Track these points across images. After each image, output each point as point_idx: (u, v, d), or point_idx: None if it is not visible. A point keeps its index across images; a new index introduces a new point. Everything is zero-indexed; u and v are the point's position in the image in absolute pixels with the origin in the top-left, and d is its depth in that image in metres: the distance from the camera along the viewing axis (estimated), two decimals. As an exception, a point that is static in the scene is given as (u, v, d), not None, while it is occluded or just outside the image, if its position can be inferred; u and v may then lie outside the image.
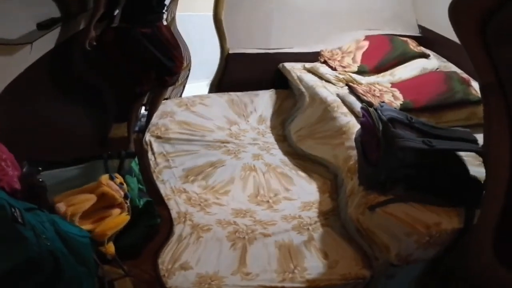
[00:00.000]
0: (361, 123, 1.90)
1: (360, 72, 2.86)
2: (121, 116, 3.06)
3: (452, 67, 2.84)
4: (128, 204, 1.82)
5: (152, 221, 1.95)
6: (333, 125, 2.35)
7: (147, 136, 2.52)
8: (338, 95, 2.53)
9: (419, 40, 3.17)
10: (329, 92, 2.60)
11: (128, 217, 1.80)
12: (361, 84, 2.67)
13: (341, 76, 2.78)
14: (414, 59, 2.85)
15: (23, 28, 1.89)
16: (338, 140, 2.27)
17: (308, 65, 3.07)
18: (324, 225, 1.99)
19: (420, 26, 3.37)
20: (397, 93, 2.37)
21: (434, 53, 3.05)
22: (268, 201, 2.19)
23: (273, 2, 3.11)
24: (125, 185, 1.87)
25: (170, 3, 2.77)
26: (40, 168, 1.69)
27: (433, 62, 2.86)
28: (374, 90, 2.41)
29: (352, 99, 2.40)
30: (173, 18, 3.08)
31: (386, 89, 2.44)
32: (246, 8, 3.11)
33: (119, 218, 1.76)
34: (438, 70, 2.77)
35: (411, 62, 2.83)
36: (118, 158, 2.08)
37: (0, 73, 1.77)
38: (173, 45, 2.62)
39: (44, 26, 2.02)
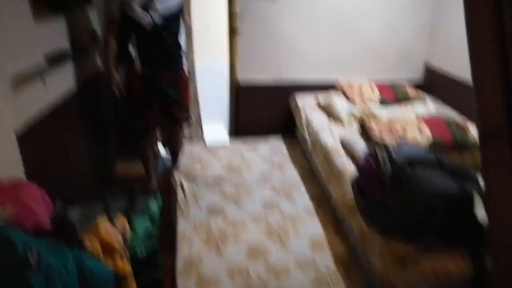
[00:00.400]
0: (358, 168, 1.79)
1: (382, 102, 2.79)
2: (128, 152, 3.11)
3: (448, 111, 2.85)
4: (127, 252, 1.65)
5: (153, 274, 1.81)
6: (331, 168, 2.22)
7: (177, 175, 2.58)
8: (341, 140, 2.40)
9: (420, 84, 3.26)
10: (331, 137, 2.48)
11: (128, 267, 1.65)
12: (379, 119, 2.54)
13: (357, 112, 2.68)
14: (414, 102, 2.90)
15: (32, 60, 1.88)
16: (335, 180, 2.15)
17: (322, 98, 2.98)
18: (345, 279, 1.77)
19: (426, 65, 3.39)
20: (425, 129, 2.16)
21: (431, 97, 3.13)
22: (278, 234, 2.04)
23: (280, 44, 3.19)
24: (127, 227, 1.74)
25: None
26: (68, 205, 1.69)
27: (431, 106, 2.88)
28: (396, 126, 2.21)
29: (356, 142, 2.26)
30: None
31: (412, 124, 2.25)
32: (259, 45, 3.17)
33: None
34: (437, 114, 2.73)
35: (412, 104, 2.88)
36: (129, 196, 1.96)
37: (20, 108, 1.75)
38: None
39: (53, 60, 2.00)
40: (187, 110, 2.83)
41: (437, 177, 1.50)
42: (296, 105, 3.13)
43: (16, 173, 1.71)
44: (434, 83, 3.26)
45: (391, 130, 2.17)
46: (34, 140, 1.84)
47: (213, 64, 4.03)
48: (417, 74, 3.42)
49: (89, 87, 2.62)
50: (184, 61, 2.63)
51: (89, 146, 2.66)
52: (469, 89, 2.65)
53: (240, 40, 3.12)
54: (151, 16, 2.31)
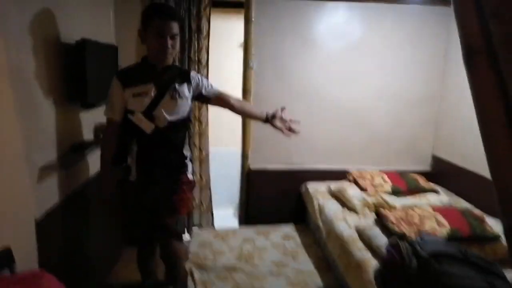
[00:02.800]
0: (383, 260, 1.72)
1: (395, 192, 2.78)
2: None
3: (463, 202, 2.85)
4: None
5: None
6: (350, 259, 2.15)
7: (187, 265, 2.51)
8: (357, 228, 2.37)
9: (428, 175, 3.26)
10: (346, 226, 2.44)
11: None
12: (394, 208, 2.54)
13: (370, 200, 2.67)
14: (426, 193, 2.87)
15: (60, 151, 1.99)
16: (354, 273, 2.06)
17: (334, 186, 3.02)
18: None
19: (434, 157, 3.47)
20: (442, 219, 2.14)
21: (444, 189, 3.12)
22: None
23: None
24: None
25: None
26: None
27: (444, 197, 2.86)
28: (412, 216, 2.22)
29: (374, 232, 2.20)
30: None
31: (428, 213, 2.23)
32: (270, 133, 3.24)
33: None
34: (450, 205, 2.74)
35: (425, 195, 2.84)
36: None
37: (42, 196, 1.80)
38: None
39: (78, 150, 2.10)
40: (181, 221, 2.62)
41: (465, 274, 1.44)
42: (308, 192, 3.15)
43: (30, 260, 1.70)
44: (443, 174, 3.32)
45: (408, 220, 2.16)
46: (50, 227, 1.86)
47: (225, 150, 4.15)
48: (425, 165, 3.50)
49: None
50: (189, 165, 2.20)
51: (100, 232, 2.65)
52: (481, 179, 2.78)
53: (252, 129, 3.27)
54: (157, 124, 1.97)
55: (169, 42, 1.86)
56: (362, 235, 2.26)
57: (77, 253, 2.26)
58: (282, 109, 2.16)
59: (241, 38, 3.17)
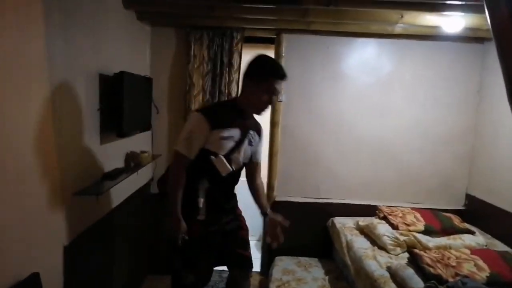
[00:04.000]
0: None
1: (428, 231, 2.65)
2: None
3: (500, 245, 2.70)
4: None
5: None
6: None
7: None
8: (389, 269, 2.23)
9: (462, 215, 3.11)
10: (377, 265, 2.32)
11: None
12: (428, 249, 2.41)
13: (402, 238, 2.56)
14: (462, 234, 2.72)
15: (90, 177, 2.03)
16: None
17: (362, 222, 2.93)
18: None
19: (468, 196, 3.33)
20: (481, 262, 2.01)
21: (479, 230, 2.96)
22: None
23: (318, 167, 3.32)
24: None
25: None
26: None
27: (480, 238, 2.70)
28: (449, 258, 2.10)
29: (408, 273, 2.05)
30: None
31: (466, 256, 2.10)
32: (297, 166, 3.31)
33: None
34: (486, 247, 2.59)
35: (460, 236, 2.69)
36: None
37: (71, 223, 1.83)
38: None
39: (109, 178, 2.14)
40: None
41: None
42: (335, 227, 3.07)
43: (56, 284, 1.71)
44: (477, 213, 3.16)
45: (444, 262, 2.04)
46: (77, 253, 1.88)
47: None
48: (459, 203, 3.36)
49: (132, 201, 2.74)
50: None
51: (124, 259, 2.65)
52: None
53: (279, 161, 3.26)
54: (232, 167, 1.93)
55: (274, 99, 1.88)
56: (394, 275, 2.14)
57: (102, 279, 2.26)
58: (286, 223, 2.05)
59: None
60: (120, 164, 2.46)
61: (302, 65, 3.18)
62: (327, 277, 2.84)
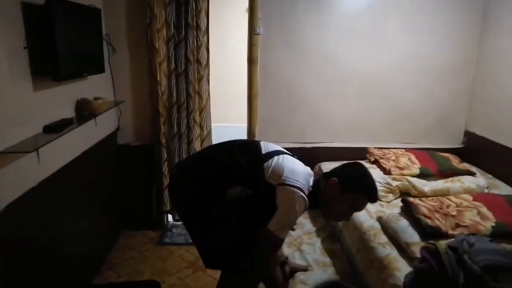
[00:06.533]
0: (417, 269, 1.40)
1: (423, 175, 2.40)
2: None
3: (502, 185, 2.50)
4: None
5: None
6: (372, 256, 1.82)
7: None
8: (380, 219, 2.01)
9: (461, 154, 2.92)
10: (367, 215, 2.08)
11: None
12: (424, 194, 2.17)
13: (395, 184, 2.31)
14: (461, 175, 2.48)
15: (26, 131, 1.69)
16: (377, 274, 1.72)
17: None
18: None
19: (467, 133, 3.08)
20: (484, 210, 1.77)
21: (479, 170, 2.74)
22: None
23: (302, 109, 3.00)
24: None
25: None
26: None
27: (481, 180, 2.47)
28: (448, 206, 1.85)
29: (402, 225, 1.83)
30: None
31: (467, 203, 1.86)
32: (280, 109, 3.00)
33: None
34: (489, 190, 2.39)
35: (459, 178, 2.46)
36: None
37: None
38: None
39: (53, 131, 1.81)
40: None
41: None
42: (321, 170, 2.80)
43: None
44: (477, 152, 2.93)
45: (442, 210, 1.80)
46: (11, 221, 1.58)
47: (231, 127, 3.85)
48: (457, 141, 3.10)
49: (94, 154, 2.42)
50: None
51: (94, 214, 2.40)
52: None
53: (259, 103, 2.93)
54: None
55: None
56: (386, 227, 1.91)
57: (58, 237, 2.01)
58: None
59: (246, 2, 2.77)
60: (69, 113, 2.10)
61: (282, -11, 2.73)
62: (314, 228, 2.62)
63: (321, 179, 1.62)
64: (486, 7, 2.81)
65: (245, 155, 1.60)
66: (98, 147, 2.50)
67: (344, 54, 2.87)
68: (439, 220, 1.73)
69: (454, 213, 1.77)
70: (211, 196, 1.59)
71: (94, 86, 2.40)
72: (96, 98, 2.28)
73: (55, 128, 1.85)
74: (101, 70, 2.33)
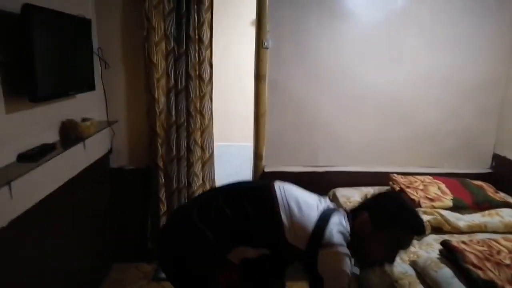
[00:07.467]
0: None
1: (457, 207, 2.11)
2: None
3: None
4: None
5: None
6: None
7: None
8: (414, 264, 1.70)
9: (488, 179, 2.64)
10: (398, 258, 1.67)
11: None
12: (459, 230, 1.88)
13: (426, 219, 2.00)
14: (498, 208, 2.20)
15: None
16: None
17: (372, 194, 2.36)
18: None
19: (496, 156, 2.80)
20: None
21: (508, 196, 2.43)
22: None
23: (315, 129, 2.74)
24: None
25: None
26: None
27: None
28: (499, 252, 1.54)
29: (444, 275, 1.52)
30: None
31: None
32: (290, 130, 2.74)
33: None
34: None
35: (497, 211, 2.16)
36: None
37: None
38: None
39: (29, 157, 1.55)
40: None
41: None
42: (337, 201, 2.49)
43: None
44: (506, 178, 2.64)
45: (494, 258, 1.50)
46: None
47: (235, 147, 3.63)
48: (485, 166, 2.82)
49: (83, 180, 2.15)
50: None
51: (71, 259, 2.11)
52: None
53: (267, 123, 2.66)
54: None
55: None
56: (424, 275, 1.60)
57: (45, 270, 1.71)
58: None
59: (253, 13, 2.53)
60: (52, 137, 1.83)
61: (292, 1, 2.48)
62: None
63: (348, 216, 1.35)
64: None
65: (257, 208, 1.31)
66: (87, 173, 2.22)
67: (360, 69, 2.62)
68: (491, 271, 1.43)
69: (507, 261, 1.48)
70: (209, 256, 1.30)
71: (83, 106, 2.14)
72: (84, 119, 2.02)
73: (32, 157, 1.58)
74: (91, 87, 2.07)
